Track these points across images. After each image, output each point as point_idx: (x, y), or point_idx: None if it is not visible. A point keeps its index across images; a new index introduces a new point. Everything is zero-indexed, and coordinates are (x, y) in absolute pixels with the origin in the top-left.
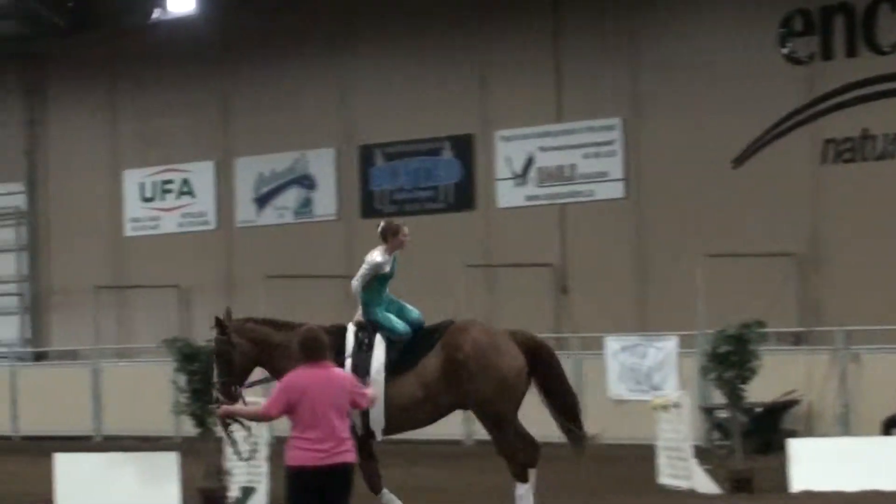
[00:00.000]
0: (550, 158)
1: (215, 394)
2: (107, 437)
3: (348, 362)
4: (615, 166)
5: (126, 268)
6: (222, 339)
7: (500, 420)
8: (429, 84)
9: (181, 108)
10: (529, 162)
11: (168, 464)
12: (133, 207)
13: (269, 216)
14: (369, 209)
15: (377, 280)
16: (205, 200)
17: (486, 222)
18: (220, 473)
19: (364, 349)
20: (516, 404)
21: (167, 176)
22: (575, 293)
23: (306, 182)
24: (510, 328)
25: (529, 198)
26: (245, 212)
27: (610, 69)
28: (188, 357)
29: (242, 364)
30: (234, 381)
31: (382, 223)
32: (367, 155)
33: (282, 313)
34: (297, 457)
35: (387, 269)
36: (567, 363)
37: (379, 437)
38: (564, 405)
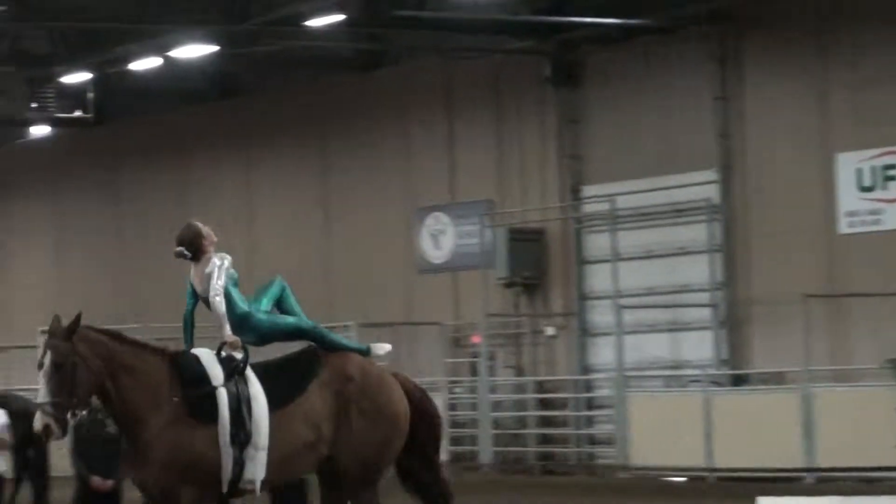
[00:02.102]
0: None
1: (43, 419)
2: (820, 477)
3: (221, 394)
4: None
5: (841, 272)
6: (66, 346)
7: (376, 478)
8: None
9: None
10: None
11: None
12: (849, 199)
13: None
14: None
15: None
16: None
17: None
18: None
19: (237, 376)
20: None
21: (890, 160)
22: None
23: None
24: None
25: None
26: None
27: None
28: None
29: (89, 384)
30: (75, 406)
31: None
32: None
33: None
34: None
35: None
36: None
37: (258, 490)
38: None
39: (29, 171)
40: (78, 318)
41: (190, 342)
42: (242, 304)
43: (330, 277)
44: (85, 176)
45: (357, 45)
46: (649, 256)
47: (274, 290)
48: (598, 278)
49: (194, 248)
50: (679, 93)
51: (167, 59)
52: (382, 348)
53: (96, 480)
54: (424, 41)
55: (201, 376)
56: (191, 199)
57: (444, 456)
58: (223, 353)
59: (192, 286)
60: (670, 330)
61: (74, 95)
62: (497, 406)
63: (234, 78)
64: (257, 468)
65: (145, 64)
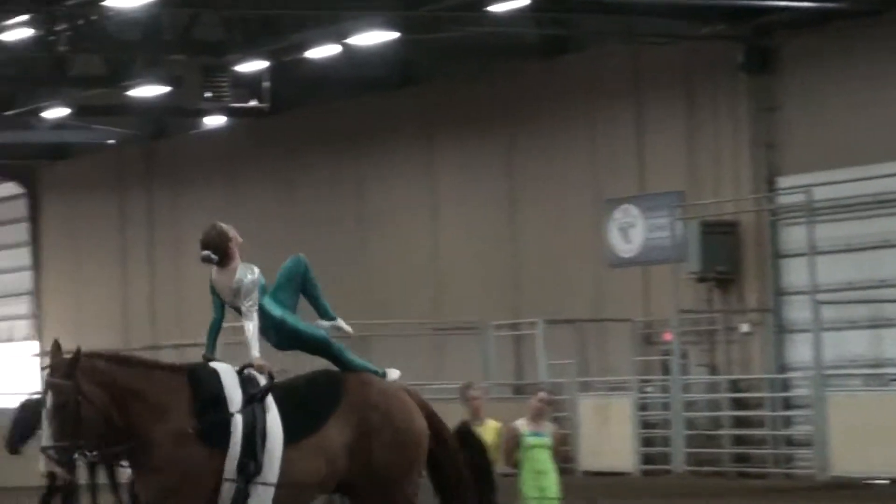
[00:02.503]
0: None
1: (47, 465)
2: None
3: (237, 421)
4: None
5: None
6: (68, 385)
7: (402, 499)
8: None
9: None
10: None
11: None
12: None
13: None
14: None
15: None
16: None
17: None
18: None
19: (257, 403)
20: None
21: None
22: None
23: None
24: None
25: None
26: None
27: None
28: None
29: (95, 421)
30: (81, 448)
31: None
32: None
33: None
34: None
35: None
36: None
37: None
38: None
39: (203, 162)
40: (78, 352)
41: (212, 350)
42: (276, 310)
43: (515, 273)
44: (260, 167)
45: (541, 30)
46: (849, 250)
47: (294, 270)
48: (795, 272)
49: (221, 252)
50: (880, 79)
51: (345, 46)
52: (395, 373)
53: None
54: (612, 26)
55: (218, 398)
56: (369, 192)
57: (634, 458)
58: (245, 373)
59: (216, 294)
60: (871, 326)
61: (249, 84)
62: (690, 406)
63: (414, 65)
64: (263, 502)
65: (322, 51)
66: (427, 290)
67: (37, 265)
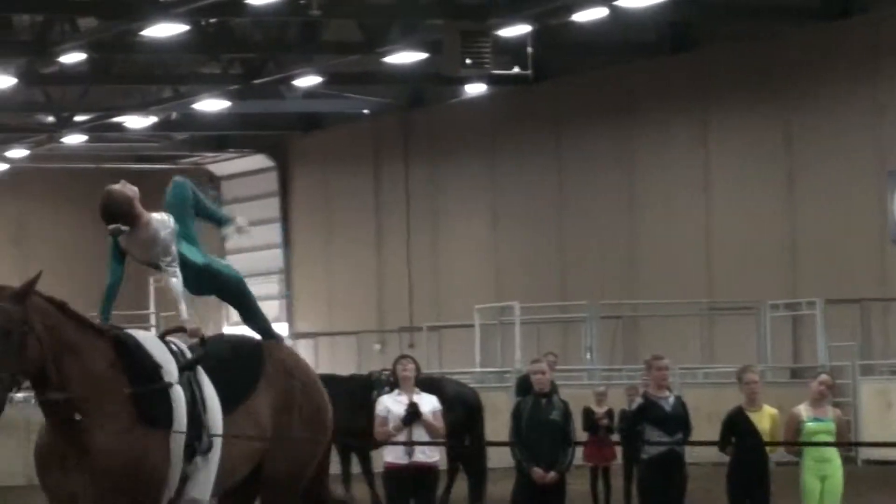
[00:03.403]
0: None
1: None
2: None
3: (177, 393)
4: None
5: None
6: (18, 310)
7: (300, 486)
8: None
9: None
10: None
11: None
12: None
13: None
14: None
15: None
16: None
17: None
18: None
19: (189, 372)
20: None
21: None
22: None
23: None
24: None
25: None
26: None
27: None
28: None
29: (37, 360)
30: (19, 383)
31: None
32: None
33: None
34: None
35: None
36: None
37: None
38: None
39: (464, 131)
40: (37, 277)
41: (108, 318)
42: (198, 258)
43: (793, 250)
44: (523, 137)
45: None
46: None
47: (183, 195)
48: None
49: (130, 218)
50: None
51: (613, 8)
52: (288, 340)
53: (538, 472)
54: None
55: (152, 369)
56: (638, 164)
57: None
58: (172, 343)
59: (119, 251)
60: None
61: (512, 50)
62: None
63: (686, 29)
64: (204, 483)
65: (589, 15)
66: (698, 269)
67: (287, 242)
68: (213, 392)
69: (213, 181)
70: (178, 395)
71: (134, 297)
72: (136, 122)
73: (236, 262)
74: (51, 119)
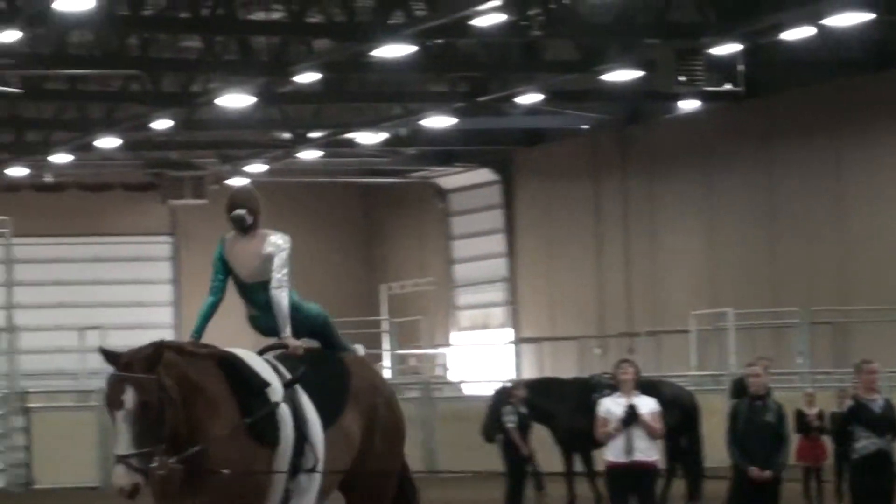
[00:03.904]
0: None
1: (129, 476)
2: None
3: (284, 413)
4: None
5: None
6: (152, 381)
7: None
8: None
9: None
10: None
11: None
12: None
13: None
14: None
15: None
16: None
17: None
18: None
19: (291, 391)
20: None
21: None
22: None
23: None
24: None
25: None
26: None
27: None
28: None
29: (173, 422)
30: (163, 453)
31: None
32: None
33: None
34: None
35: None
36: None
37: None
38: None
39: (678, 147)
40: (161, 345)
41: (200, 336)
42: (293, 294)
43: None
44: (736, 153)
45: None
46: None
47: (325, 316)
48: None
49: (255, 215)
50: None
51: (821, 27)
52: (361, 349)
53: (754, 471)
54: None
55: (259, 388)
56: (846, 175)
57: None
58: (270, 360)
59: (225, 264)
60: None
61: (724, 67)
62: None
63: (892, 47)
64: (307, 501)
65: (798, 33)
66: None
67: (511, 252)
68: (312, 410)
69: (441, 194)
70: (285, 414)
71: (367, 304)
72: (367, 138)
73: (465, 272)
74: (287, 136)
